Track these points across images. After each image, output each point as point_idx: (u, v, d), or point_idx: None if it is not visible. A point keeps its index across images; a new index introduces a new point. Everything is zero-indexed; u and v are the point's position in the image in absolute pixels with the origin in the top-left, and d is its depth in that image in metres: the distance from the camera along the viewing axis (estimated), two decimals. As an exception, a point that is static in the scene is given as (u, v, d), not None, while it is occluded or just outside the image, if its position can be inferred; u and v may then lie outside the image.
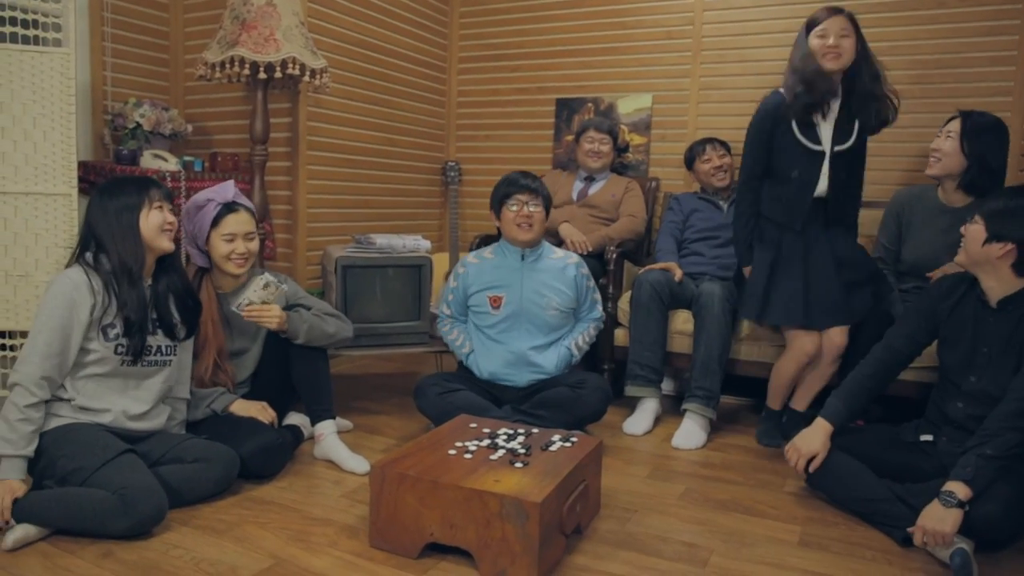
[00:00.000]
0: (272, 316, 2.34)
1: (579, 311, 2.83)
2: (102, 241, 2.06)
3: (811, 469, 2.21)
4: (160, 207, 2.11)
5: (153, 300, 2.12)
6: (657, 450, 2.75)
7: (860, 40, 2.55)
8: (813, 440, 2.20)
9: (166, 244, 2.12)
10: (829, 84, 2.56)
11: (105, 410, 2.04)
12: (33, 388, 1.92)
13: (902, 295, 2.80)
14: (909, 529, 1.92)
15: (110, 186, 2.12)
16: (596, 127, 3.61)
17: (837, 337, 2.62)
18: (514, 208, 2.71)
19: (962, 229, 2.09)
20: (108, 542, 1.83)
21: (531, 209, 2.70)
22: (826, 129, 2.63)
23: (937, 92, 3.36)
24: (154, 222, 2.08)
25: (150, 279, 2.14)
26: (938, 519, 1.83)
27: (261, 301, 2.33)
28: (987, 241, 2.01)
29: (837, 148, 2.63)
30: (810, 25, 2.58)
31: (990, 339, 2.06)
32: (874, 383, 2.24)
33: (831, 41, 2.51)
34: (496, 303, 2.73)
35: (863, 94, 2.57)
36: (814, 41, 2.55)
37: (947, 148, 2.66)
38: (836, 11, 2.55)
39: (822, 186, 2.64)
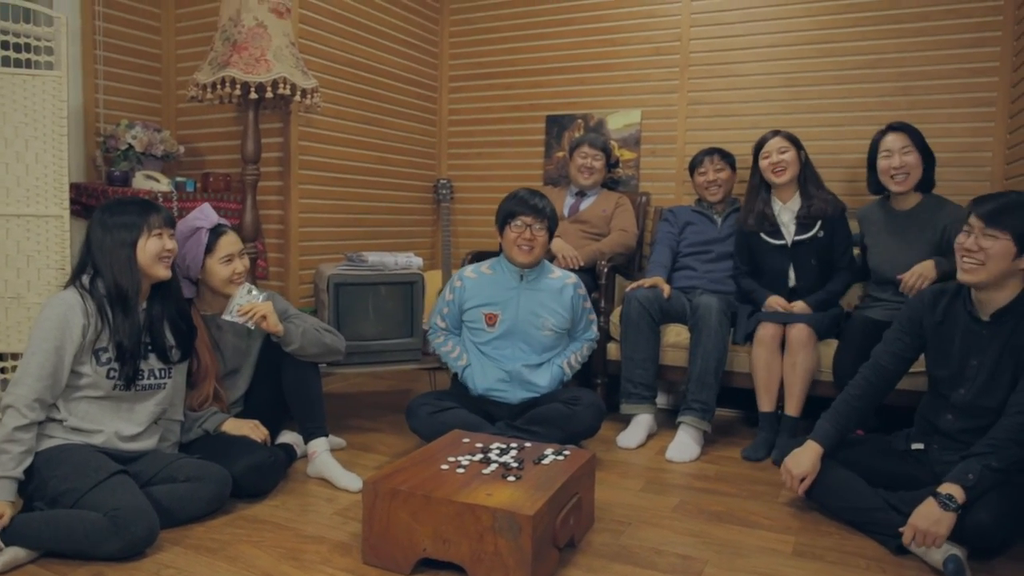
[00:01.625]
0: (263, 308, 2.35)
1: (574, 331, 2.82)
2: (98, 264, 2.05)
3: (801, 491, 2.21)
4: (160, 234, 2.09)
5: (147, 324, 2.12)
6: (651, 463, 2.74)
7: (800, 148, 3.01)
8: (803, 461, 2.20)
9: (163, 272, 2.10)
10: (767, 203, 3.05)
11: (97, 431, 2.03)
12: (25, 410, 1.91)
13: (879, 302, 2.87)
14: (900, 529, 1.92)
15: (111, 208, 2.10)
16: (591, 143, 3.63)
17: (796, 329, 2.78)
18: (517, 228, 2.67)
19: (969, 246, 1.98)
20: (99, 563, 1.82)
21: (534, 232, 2.65)
22: (788, 225, 3.00)
23: (923, 103, 3.40)
24: (152, 250, 2.07)
25: (145, 303, 2.14)
26: (934, 520, 1.84)
27: (250, 304, 2.36)
28: (1020, 255, 1.94)
29: (798, 238, 2.96)
30: (757, 148, 3.05)
31: (982, 352, 2.04)
32: (863, 403, 2.24)
33: (774, 159, 2.98)
34: (491, 320, 2.71)
35: (813, 186, 3.00)
36: (762, 163, 3.03)
37: (912, 161, 2.81)
38: (775, 132, 3.03)
39: (792, 277, 3.01)
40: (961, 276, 2.03)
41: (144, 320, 2.11)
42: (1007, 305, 2.00)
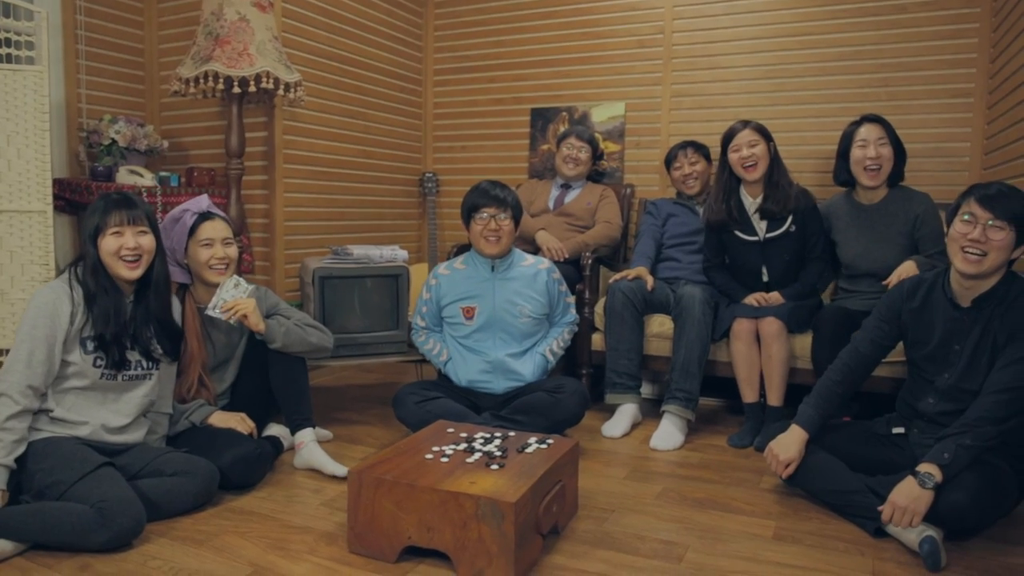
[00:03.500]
0: (245, 305, 2.36)
1: (552, 316, 2.86)
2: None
3: (784, 476, 2.24)
4: (118, 232, 2.05)
5: (132, 318, 2.11)
6: (635, 451, 2.77)
7: (770, 140, 2.95)
8: (790, 447, 2.23)
9: (124, 271, 2.06)
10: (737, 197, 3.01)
11: (83, 423, 2.04)
12: (17, 396, 1.92)
13: (853, 294, 2.92)
14: (879, 508, 1.96)
15: (92, 204, 2.11)
16: (577, 135, 3.65)
17: (766, 322, 2.80)
18: (482, 220, 2.70)
19: (976, 236, 1.95)
20: (86, 555, 1.83)
21: (499, 222, 2.69)
22: (760, 221, 2.97)
23: (902, 95, 3.44)
24: (107, 247, 2.05)
25: (132, 296, 2.14)
26: (913, 498, 1.88)
27: (234, 300, 2.37)
28: (1018, 245, 1.97)
29: (770, 235, 2.95)
30: (726, 140, 2.98)
31: (964, 337, 2.07)
32: (843, 388, 2.27)
33: (744, 153, 2.90)
34: (469, 314, 2.74)
35: (777, 185, 2.93)
36: (731, 156, 2.95)
37: (887, 153, 2.83)
38: (745, 123, 2.96)
39: (765, 272, 3.00)
40: (962, 267, 2.00)
41: (130, 313, 2.11)
42: (988, 291, 2.03)
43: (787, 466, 2.22)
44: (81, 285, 2.05)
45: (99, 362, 2.05)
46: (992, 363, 2.01)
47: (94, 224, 2.06)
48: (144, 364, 2.14)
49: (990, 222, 1.95)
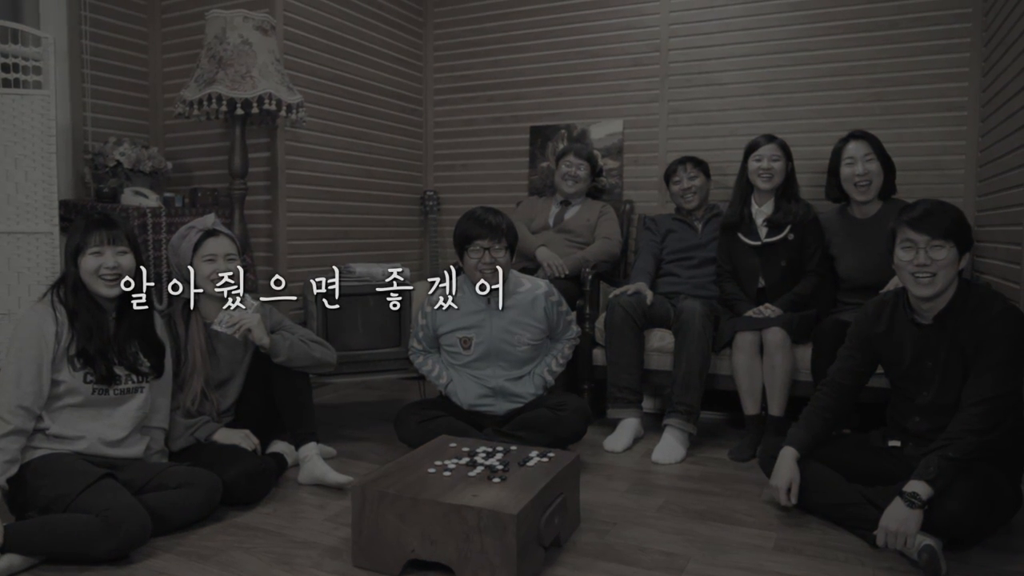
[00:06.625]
0: (250, 320, 2.40)
1: (554, 334, 2.87)
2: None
3: (793, 499, 2.22)
4: (98, 252, 2.08)
5: (115, 336, 2.14)
6: (637, 465, 2.79)
7: (789, 160, 3.11)
8: (784, 473, 2.22)
9: (103, 290, 2.10)
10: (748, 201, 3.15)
11: (80, 437, 2.07)
12: (8, 417, 1.96)
13: (850, 305, 2.92)
14: (874, 533, 1.97)
15: (74, 223, 2.16)
16: (576, 152, 3.69)
17: (771, 332, 2.83)
18: (476, 253, 2.65)
19: (922, 261, 1.99)
20: (93, 572, 1.85)
21: (494, 254, 2.63)
22: (761, 227, 3.09)
23: (895, 108, 3.48)
24: (87, 267, 2.08)
25: (114, 312, 2.17)
26: (902, 520, 1.89)
27: (239, 315, 2.42)
28: (960, 256, 2.02)
29: (768, 240, 3.04)
30: (750, 149, 3.12)
31: (933, 353, 2.09)
32: (831, 414, 2.29)
33: (764, 164, 3.05)
34: (467, 344, 2.74)
35: (789, 199, 3.08)
36: (752, 163, 3.10)
37: (875, 168, 2.91)
38: (771, 139, 3.12)
39: (761, 276, 3.08)
40: (917, 291, 2.04)
41: (112, 330, 2.14)
42: (947, 306, 2.05)
43: (788, 490, 2.21)
44: (63, 304, 2.08)
45: (89, 378, 2.08)
46: (966, 375, 2.03)
47: (75, 244, 2.10)
48: (134, 378, 2.17)
49: (930, 243, 1.99)
